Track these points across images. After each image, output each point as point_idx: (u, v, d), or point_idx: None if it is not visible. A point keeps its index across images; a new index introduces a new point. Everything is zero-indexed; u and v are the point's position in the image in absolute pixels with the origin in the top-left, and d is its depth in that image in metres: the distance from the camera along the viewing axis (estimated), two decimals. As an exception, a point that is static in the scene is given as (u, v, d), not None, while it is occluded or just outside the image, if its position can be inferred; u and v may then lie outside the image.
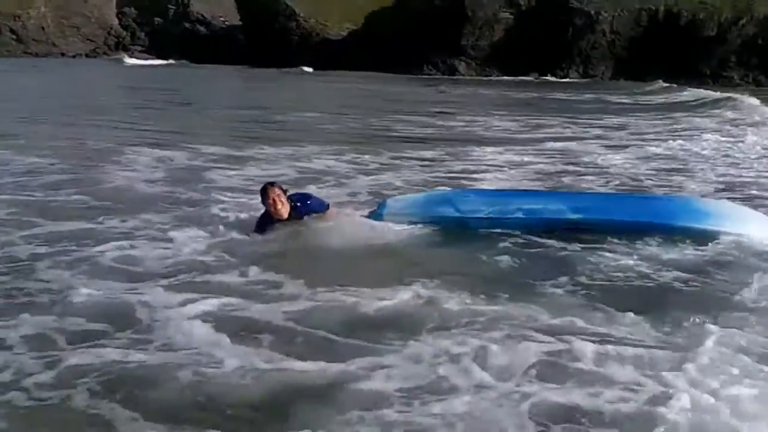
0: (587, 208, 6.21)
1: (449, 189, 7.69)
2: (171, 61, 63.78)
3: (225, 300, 4.54)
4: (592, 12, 54.39)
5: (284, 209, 5.87)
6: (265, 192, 5.92)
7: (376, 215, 6.40)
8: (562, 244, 5.84)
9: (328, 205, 6.26)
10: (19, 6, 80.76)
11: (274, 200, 5.87)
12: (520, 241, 5.95)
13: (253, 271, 5.11)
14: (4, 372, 3.58)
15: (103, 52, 75.76)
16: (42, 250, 5.60)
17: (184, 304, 4.48)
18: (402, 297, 4.63)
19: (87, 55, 74.99)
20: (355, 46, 62.46)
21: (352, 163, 10.49)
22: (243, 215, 6.63)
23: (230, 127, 16.39)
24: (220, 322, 4.19)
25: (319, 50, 63.84)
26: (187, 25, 71.96)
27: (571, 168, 10.49)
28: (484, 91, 35.36)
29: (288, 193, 6.00)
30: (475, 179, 9.39)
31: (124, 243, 5.78)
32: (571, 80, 51.71)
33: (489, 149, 12.28)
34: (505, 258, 5.52)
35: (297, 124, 16.71)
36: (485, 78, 54.29)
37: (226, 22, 71.85)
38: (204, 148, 11.46)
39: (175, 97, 26.33)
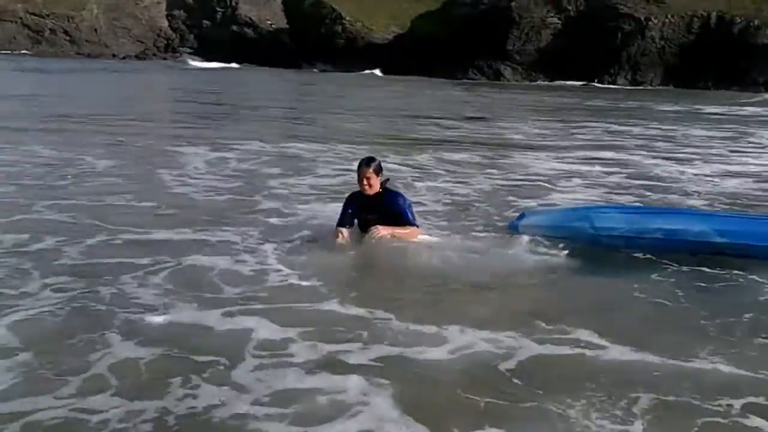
0: (734, 232, 5.68)
1: (588, 204, 7.37)
2: (234, 65, 64.46)
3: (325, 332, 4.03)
4: (642, 18, 53.57)
5: (372, 190, 5.81)
6: (360, 169, 5.87)
7: (512, 226, 6.27)
8: (717, 271, 5.34)
9: (418, 225, 5.99)
10: (73, 8, 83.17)
11: (367, 178, 5.80)
12: (672, 267, 5.46)
13: (354, 302, 4.58)
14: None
15: (152, 54, 77.32)
16: (117, 260, 5.29)
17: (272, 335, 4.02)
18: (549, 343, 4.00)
19: (137, 57, 76.39)
20: (401, 49, 62.74)
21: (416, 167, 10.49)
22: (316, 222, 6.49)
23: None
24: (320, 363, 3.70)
25: (365, 53, 64.32)
26: (234, 28, 72.99)
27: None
28: (564, 99, 35.06)
29: (382, 178, 5.91)
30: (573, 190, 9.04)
31: (206, 257, 5.45)
32: (650, 88, 50.85)
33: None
34: (663, 289, 4.99)
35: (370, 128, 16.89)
36: (532, 83, 54.11)
37: (273, 26, 72.73)
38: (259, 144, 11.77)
39: (264, 100, 25.55)
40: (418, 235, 5.92)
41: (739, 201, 8.75)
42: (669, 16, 53.65)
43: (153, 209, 7.23)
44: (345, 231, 5.87)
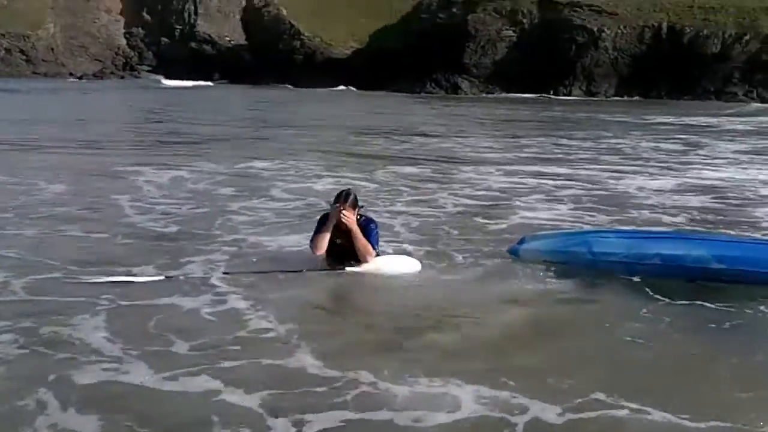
0: (735, 258, 5.56)
1: (589, 228, 7.23)
2: (209, 83, 63.74)
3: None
4: (595, 29, 54.86)
5: (349, 223, 5.81)
6: (339, 199, 5.89)
7: (512, 251, 6.24)
8: (720, 305, 5.12)
9: (377, 252, 6.01)
10: (29, 27, 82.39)
11: (344, 215, 5.80)
12: (671, 299, 5.27)
13: (332, 355, 4.15)
14: None
15: (110, 72, 76.98)
16: (62, 301, 4.61)
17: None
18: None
19: (95, 75, 76.03)
20: (360, 64, 63.56)
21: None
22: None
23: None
24: None
25: (324, 69, 65.00)
26: (193, 44, 73.01)
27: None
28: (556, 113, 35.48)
29: (360, 209, 5.97)
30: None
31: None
32: (604, 99, 52.33)
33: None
34: (668, 328, 4.74)
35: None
36: (489, 96, 55.10)
37: (232, 42, 73.22)
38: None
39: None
40: (369, 258, 5.88)
41: (697, 215, 8.76)
42: (621, 27, 55.06)
43: (105, 242, 6.79)
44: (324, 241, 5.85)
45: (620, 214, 8.65)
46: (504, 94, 54.26)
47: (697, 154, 16.20)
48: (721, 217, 8.67)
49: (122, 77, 74.12)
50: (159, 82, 63.72)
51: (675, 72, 51.31)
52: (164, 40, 76.23)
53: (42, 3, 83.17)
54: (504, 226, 7.89)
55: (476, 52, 58.01)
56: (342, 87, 59.28)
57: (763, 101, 48.85)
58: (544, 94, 52.78)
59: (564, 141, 18.91)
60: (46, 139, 16.58)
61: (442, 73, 57.84)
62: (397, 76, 58.98)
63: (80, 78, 73.90)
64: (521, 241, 6.34)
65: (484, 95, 54.99)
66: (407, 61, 59.91)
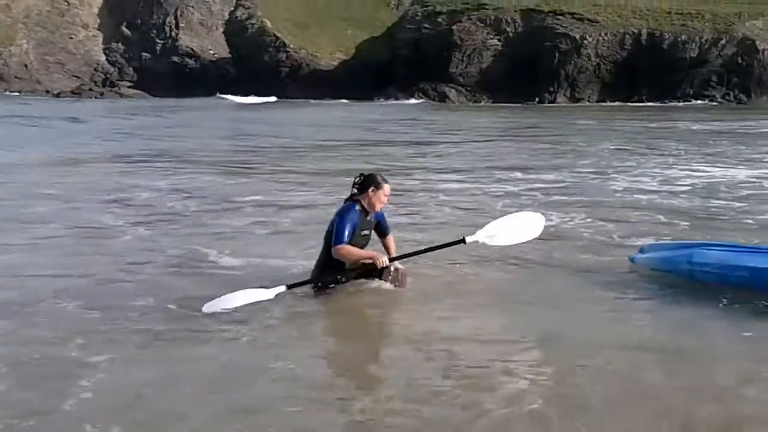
0: None
1: (699, 241, 7.30)
2: (271, 98, 62.28)
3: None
4: (578, 37, 59.81)
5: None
6: (383, 184, 5.98)
7: (632, 259, 6.98)
8: None
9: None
10: (0, 43, 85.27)
11: (387, 196, 6.03)
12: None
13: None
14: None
15: (89, 89, 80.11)
16: None
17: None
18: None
19: (73, 92, 79.02)
20: (347, 75, 68.11)
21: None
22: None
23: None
24: None
25: (310, 80, 69.43)
26: (175, 59, 76.78)
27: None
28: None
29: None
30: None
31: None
32: (588, 104, 57.20)
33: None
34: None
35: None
36: (476, 104, 59.72)
37: (216, 55, 77.22)
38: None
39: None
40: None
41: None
42: (603, 34, 60.07)
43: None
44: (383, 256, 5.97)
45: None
46: (491, 103, 58.65)
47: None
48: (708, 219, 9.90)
49: (101, 94, 77.21)
50: (225, 99, 61.29)
51: (655, 77, 56.20)
52: (145, 55, 79.58)
53: (13, 18, 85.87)
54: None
55: (462, 61, 62.72)
56: (328, 98, 62.55)
57: (739, 103, 54.08)
58: (528, 102, 57.33)
59: (548, 146, 21.97)
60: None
61: (429, 83, 62.45)
62: (384, 86, 63.71)
63: (57, 95, 76.22)
64: (641, 250, 7.07)
65: (471, 104, 59.28)
66: (394, 72, 64.71)
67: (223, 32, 79.28)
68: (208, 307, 5.66)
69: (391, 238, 6.28)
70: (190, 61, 78.11)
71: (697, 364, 4.80)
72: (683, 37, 57.88)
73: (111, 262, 7.36)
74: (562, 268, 7.08)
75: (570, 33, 59.84)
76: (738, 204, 10.99)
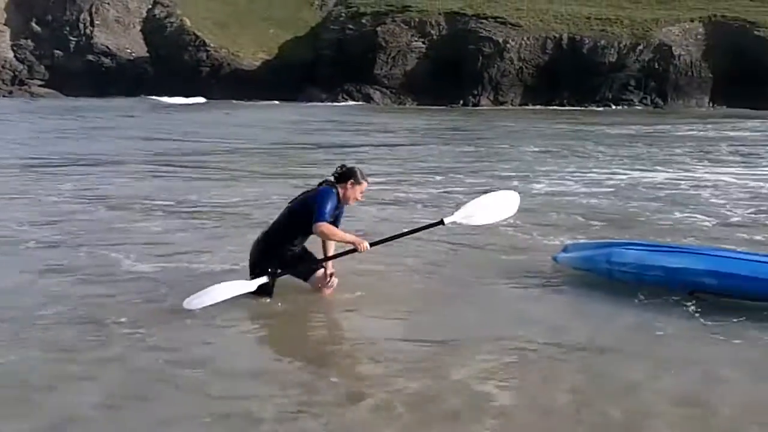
0: (731, 275, 5.86)
1: (619, 240, 7.57)
2: (200, 99, 60.75)
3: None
4: (501, 41, 60.93)
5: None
6: (362, 181, 6.02)
7: (555, 259, 7.15)
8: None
9: None
10: None
11: (362, 195, 6.11)
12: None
13: None
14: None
15: (-5, 87, 77.15)
16: None
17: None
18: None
19: (-20, 91, 76.11)
20: (269, 75, 67.56)
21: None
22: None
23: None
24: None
25: (232, 80, 68.58)
26: (91, 57, 74.81)
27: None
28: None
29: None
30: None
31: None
32: (511, 108, 58.15)
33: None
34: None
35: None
36: (400, 106, 60.09)
37: (134, 54, 75.45)
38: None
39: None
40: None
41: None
42: (525, 38, 61.32)
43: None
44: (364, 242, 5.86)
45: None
46: (415, 105, 59.16)
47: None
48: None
49: (10, 92, 74.49)
50: (159, 102, 58.53)
51: (576, 81, 57.75)
52: (57, 52, 77.06)
53: None
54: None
55: (387, 63, 63.06)
56: (250, 99, 61.80)
57: (656, 107, 56.12)
58: (453, 105, 58.05)
59: (466, 148, 22.55)
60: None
61: (353, 84, 62.54)
62: (307, 87, 63.48)
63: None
64: (564, 249, 7.28)
65: (396, 106, 59.62)
66: (318, 72, 64.54)
67: (141, 30, 77.54)
68: (189, 303, 5.57)
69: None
70: (106, 60, 76.09)
71: (611, 360, 4.97)
72: (602, 42, 59.62)
73: (14, 270, 7.07)
74: (486, 269, 7.23)
75: (493, 37, 60.87)
76: (655, 204, 11.41)
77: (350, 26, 66.32)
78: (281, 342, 5.54)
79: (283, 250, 5.98)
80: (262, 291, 5.86)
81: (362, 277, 6.70)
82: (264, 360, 5.15)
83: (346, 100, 61.47)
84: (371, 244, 5.87)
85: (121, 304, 5.90)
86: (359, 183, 5.95)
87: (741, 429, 3.99)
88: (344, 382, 4.57)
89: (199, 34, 72.12)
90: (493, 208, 6.43)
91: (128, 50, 76.46)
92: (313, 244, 6.20)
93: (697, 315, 5.74)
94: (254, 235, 6.35)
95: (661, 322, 5.59)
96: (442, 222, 6.11)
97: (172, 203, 11.14)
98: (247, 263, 6.15)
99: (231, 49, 71.51)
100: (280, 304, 5.94)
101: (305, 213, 5.76)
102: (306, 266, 6.08)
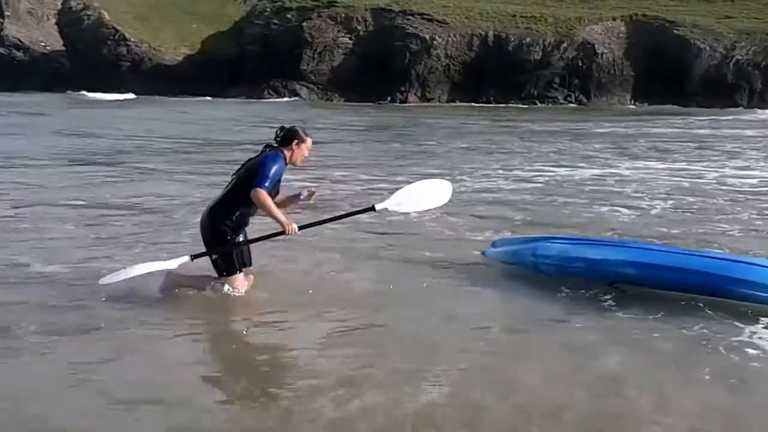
0: (648, 265, 6.14)
1: (545, 235, 7.74)
2: (130, 95, 58.16)
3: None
4: (427, 37, 61.21)
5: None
6: (306, 138, 6.02)
7: (484, 253, 7.34)
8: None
9: None
10: None
11: (309, 151, 6.10)
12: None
13: None
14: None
15: None
16: None
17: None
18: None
19: None
20: (192, 70, 66.27)
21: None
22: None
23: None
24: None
25: (153, 75, 66.93)
26: (1, 50, 72.12)
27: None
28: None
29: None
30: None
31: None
32: (438, 104, 58.49)
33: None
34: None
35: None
36: (328, 102, 59.89)
37: (48, 48, 72.99)
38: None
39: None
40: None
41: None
42: (452, 35, 61.85)
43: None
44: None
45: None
46: (342, 102, 59.03)
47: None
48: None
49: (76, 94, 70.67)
50: (84, 96, 57.46)
51: (502, 78, 58.60)
52: (-36, 45, 74.12)
53: None
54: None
55: (313, 58, 62.69)
56: (173, 95, 60.53)
57: (580, 104, 57.50)
58: (381, 101, 58.17)
59: (397, 146, 22.96)
60: None
61: (279, 80, 61.98)
62: (232, 83, 62.59)
63: None
64: (494, 244, 7.53)
65: (323, 102, 59.39)
66: (243, 68, 63.72)
67: (56, 23, 74.95)
68: (106, 280, 5.68)
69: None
70: (18, 53, 73.44)
71: (536, 352, 5.14)
72: (527, 39, 60.63)
73: None
74: (416, 264, 7.34)
75: (420, 33, 61.18)
76: (579, 200, 11.78)
77: (275, 21, 65.68)
78: (191, 348, 5.29)
79: (243, 218, 5.92)
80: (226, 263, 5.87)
81: (287, 275, 6.71)
82: (170, 365, 4.92)
83: (272, 96, 60.84)
84: (300, 228, 5.82)
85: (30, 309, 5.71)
86: (303, 141, 5.96)
87: (657, 421, 4.12)
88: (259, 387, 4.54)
89: (118, 27, 70.14)
90: (424, 195, 6.46)
91: (42, 43, 73.94)
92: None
93: (614, 308, 5.99)
94: (174, 234, 6.20)
95: (581, 315, 5.81)
96: (373, 208, 6.14)
97: (84, 202, 10.85)
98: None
99: (152, 44, 69.85)
100: (188, 310, 5.84)
101: (252, 179, 5.66)
102: (231, 247, 5.90)
